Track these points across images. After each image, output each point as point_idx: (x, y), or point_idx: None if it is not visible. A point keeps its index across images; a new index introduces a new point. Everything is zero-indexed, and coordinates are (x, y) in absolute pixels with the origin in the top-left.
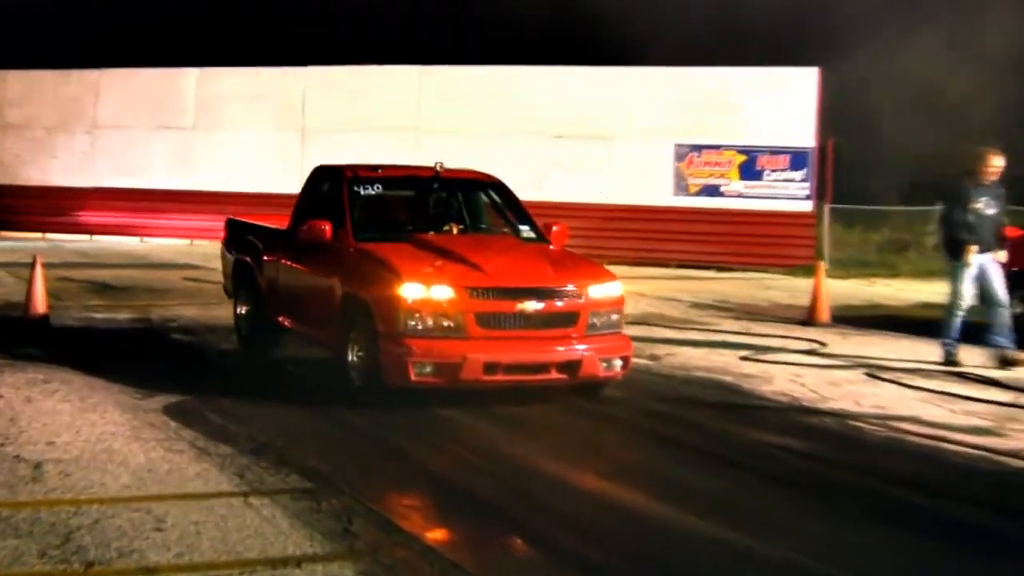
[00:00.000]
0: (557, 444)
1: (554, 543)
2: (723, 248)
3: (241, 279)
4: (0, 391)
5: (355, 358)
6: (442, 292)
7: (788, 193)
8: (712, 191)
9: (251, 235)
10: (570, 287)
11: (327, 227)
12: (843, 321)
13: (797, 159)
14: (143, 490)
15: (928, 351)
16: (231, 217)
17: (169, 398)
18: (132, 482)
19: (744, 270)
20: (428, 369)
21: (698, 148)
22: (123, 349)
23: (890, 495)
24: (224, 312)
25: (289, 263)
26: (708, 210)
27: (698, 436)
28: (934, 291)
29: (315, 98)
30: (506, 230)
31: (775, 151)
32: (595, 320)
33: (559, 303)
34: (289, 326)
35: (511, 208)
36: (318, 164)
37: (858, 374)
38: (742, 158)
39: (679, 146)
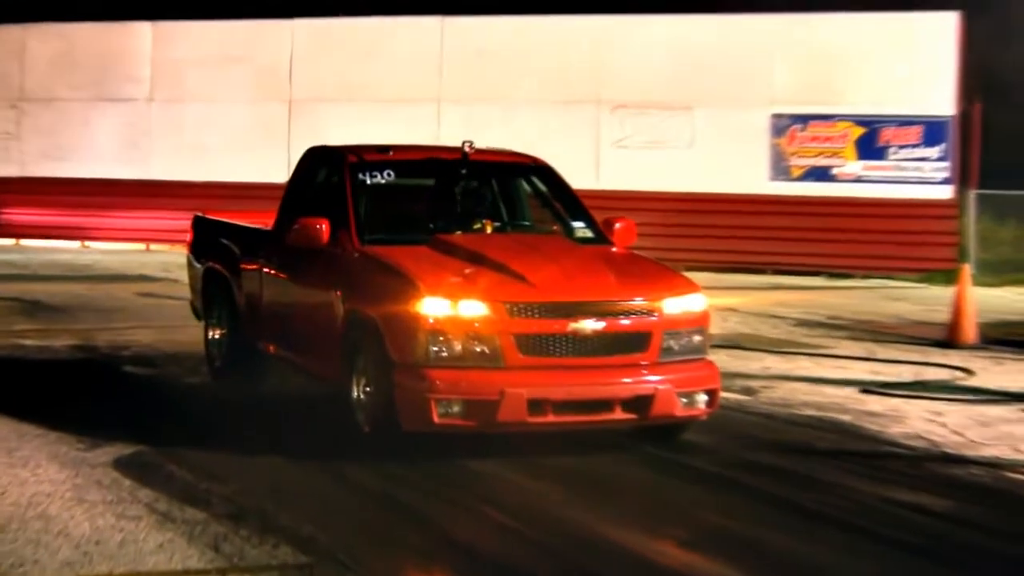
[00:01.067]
0: (623, 507)
1: None
2: (835, 249)
3: (214, 294)
4: None
5: (361, 395)
6: (474, 309)
7: (920, 176)
8: (821, 175)
9: (226, 237)
10: (639, 300)
11: (324, 226)
12: (996, 342)
13: (932, 131)
14: (89, 568)
15: None
16: (199, 215)
17: (121, 448)
18: (75, 558)
19: (864, 277)
20: (456, 408)
21: (803, 119)
22: (62, 386)
23: None
24: (191, 337)
25: (275, 273)
26: (816, 199)
27: (807, 494)
28: None
29: (306, 60)
30: (555, 228)
31: (903, 121)
32: (671, 343)
33: (625, 321)
34: (275, 354)
35: (561, 199)
36: (311, 146)
37: (1017, 411)
38: (860, 131)
39: (777, 117)
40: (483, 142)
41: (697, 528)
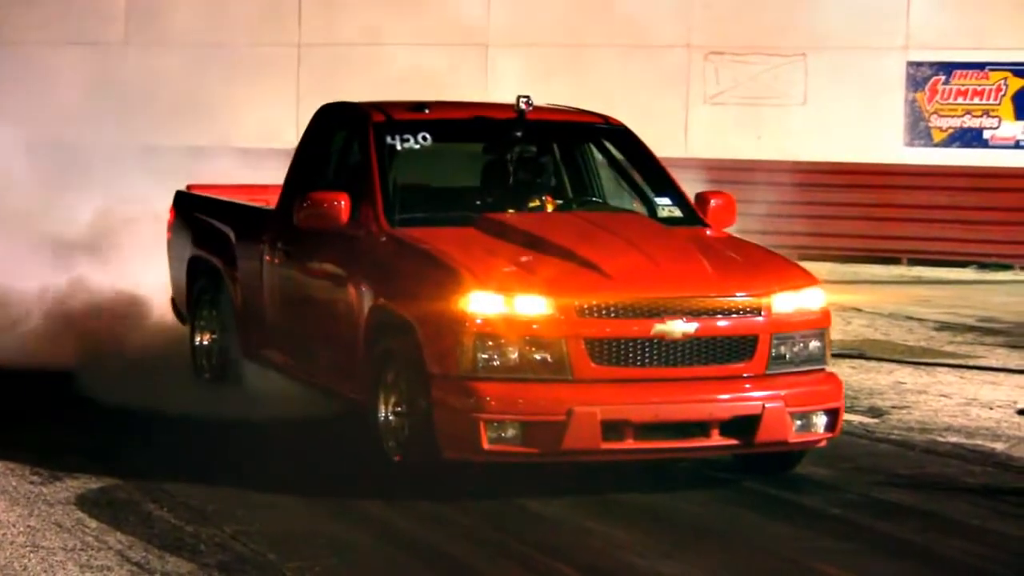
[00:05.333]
0: (716, 558)
1: None
2: (989, 233)
3: (202, 289)
4: None
5: (391, 415)
6: (534, 306)
7: None
8: (972, 138)
9: (217, 218)
10: (742, 296)
11: (343, 203)
12: None
13: None
14: None
15: None
16: (182, 190)
17: (86, 481)
18: None
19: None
20: (511, 432)
21: (947, 68)
22: (11, 405)
23: None
24: (172, 342)
25: (280, 263)
26: (964, 169)
27: (950, 541)
28: None
29: None
30: (635, 205)
31: None
32: (783, 350)
33: (724, 323)
34: (280, 364)
35: (642, 169)
36: (325, 103)
37: None
38: (1020, 83)
39: (915, 65)
40: (541, 98)
41: None
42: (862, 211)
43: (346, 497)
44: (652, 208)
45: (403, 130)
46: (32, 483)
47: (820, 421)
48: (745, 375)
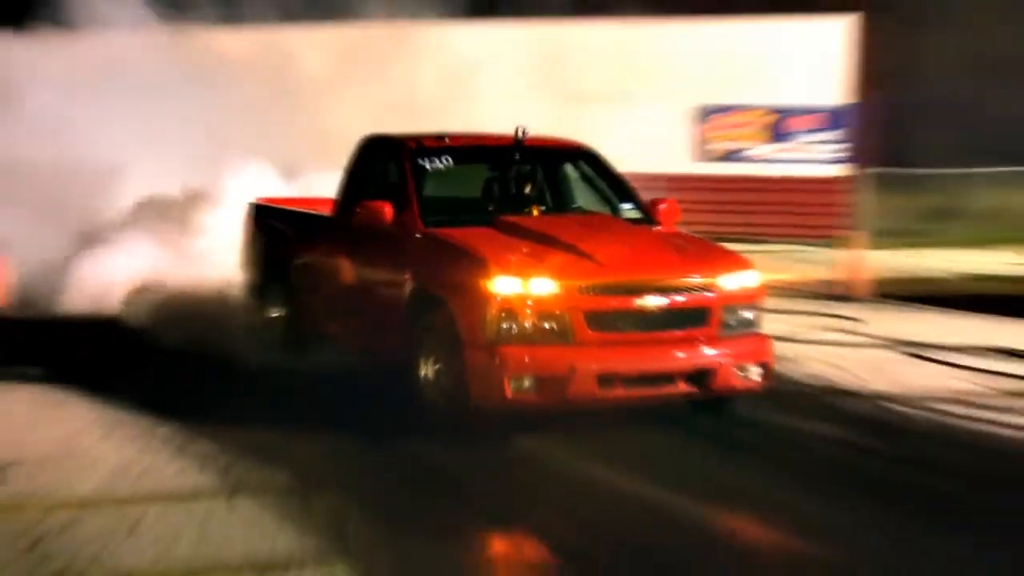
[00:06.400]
0: (673, 471)
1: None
2: (748, 219)
3: (272, 277)
4: None
5: (430, 374)
6: (544, 287)
7: (821, 156)
8: (735, 156)
9: (285, 222)
10: (699, 278)
11: (387, 208)
12: (885, 296)
13: (831, 118)
14: (116, 491)
15: (980, 327)
16: (255, 201)
17: (156, 406)
18: (104, 481)
19: (773, 242)
20: (528, 384)
21: (722, 109)
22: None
23: (936, 488)
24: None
25: (336, 256)
26: (732, 177)
27: (738, 430)
28: (986, 262)
29: None
30: (606, 209)
31: (806, 110)
32: (729, 318)
33: (687, 298)
34: (335, 333)
35: (608, 182)
36: (367, 135)
37: (899, 354)
38: (770, 118)
39: (701, 107)
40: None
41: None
42: None
43: (382, 434)
44: (616, 211)
45: (430, 154)
46: (105, 396)
47: (756, 371)
48: (702, 338)
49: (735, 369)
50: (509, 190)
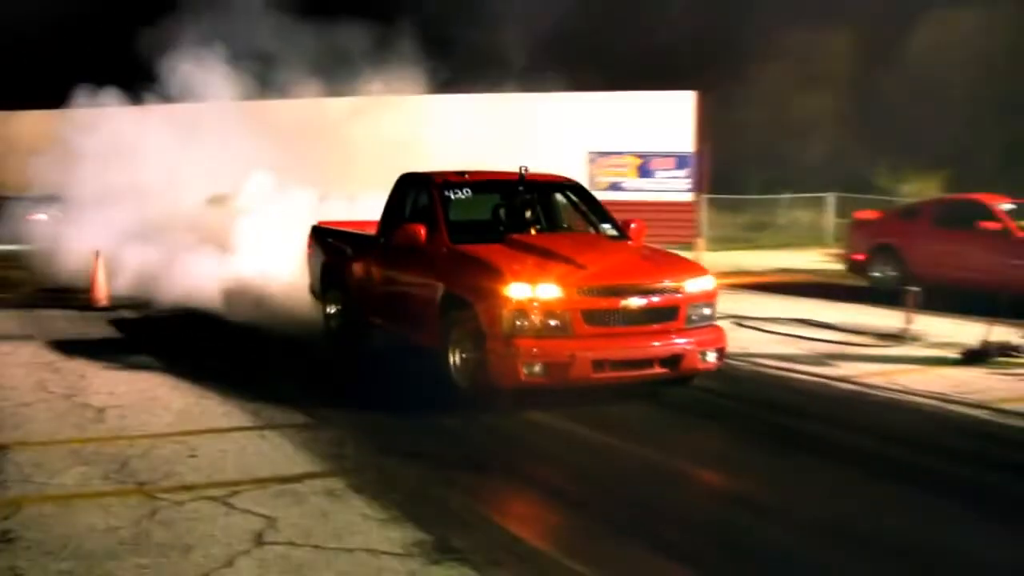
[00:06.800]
0: (645, 429)
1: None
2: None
3: (330, 282)
4: (73, 358)
5: (458, 360)
6: (549, 291)
7: (675, 187)
8: (616, 187)
9: (338, 240)
10: (669, 282)
11: (421, 230)
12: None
13: (681, 161)
14: (181, 427)
15: (787, 305)
16: (316, 224)
17: (218, 370)
18: (173, 421)
19: None
20: (537, 369)
21: (605, 154)
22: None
23: (755, 416)
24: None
25: (381, 266)
26: (615, 201)
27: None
28: (789, 260)
29: None
30: (589, 229)
31: (664, 155)
32: (692, 314)
33: (660, 298)
34: (382, 326)
35: (591, 208)
36: (404, 172)
37: (727, 323)
38: (639, 160)
39: (591, 153)
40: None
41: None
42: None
43: (425, 409)
44: (598, 230)
45: (454, 187)
46: (172, 367)
47: (713, 355)
48: (673, 330)
49: (699, 354)
50: (514, 214)
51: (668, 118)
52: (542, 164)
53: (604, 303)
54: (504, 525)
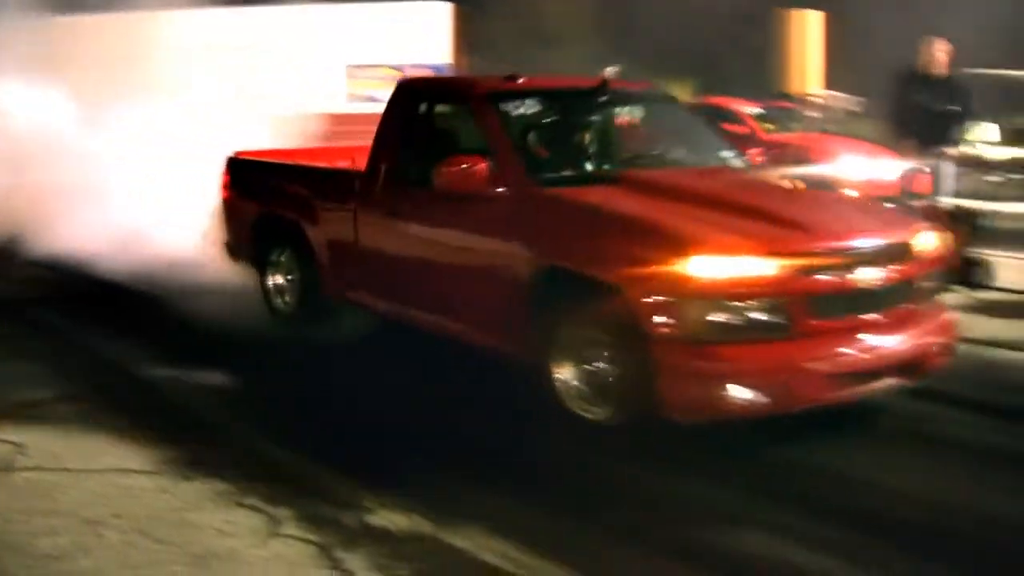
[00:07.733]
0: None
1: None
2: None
3: (273, 240)
4: None
5: (572, 376)
6: (759, 266)
7: None
8: (372, 99)
9: (287, 181)
10: (901, 241)
11: (482, 165)
12: None
13: (437, 71)
14: None
15: None
16: (234, 156)
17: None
18: None
19: None
20: (746, 391)
21: (363, 67)
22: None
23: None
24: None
25: (381, 219)
26: (372, 114)
27: None
28: None
29: None
30: (703, 158)
31: (420, 67)
32: (925, 289)
33: (897, 269)
34: (374, 305)
35: (697, 129)
36: (402, 79)
37: None
38: (396, 73)
39: (350, 67)
40: None
41: None
42: (322, 136)
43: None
44: (722, 160)
45: (511, 99)
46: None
47: (946, 349)
48: (915, 317)
49: (935, 350)
50: (603, 140)
51: (424, 30)
52: (303, 77)
53: (837, 282)
54: None
